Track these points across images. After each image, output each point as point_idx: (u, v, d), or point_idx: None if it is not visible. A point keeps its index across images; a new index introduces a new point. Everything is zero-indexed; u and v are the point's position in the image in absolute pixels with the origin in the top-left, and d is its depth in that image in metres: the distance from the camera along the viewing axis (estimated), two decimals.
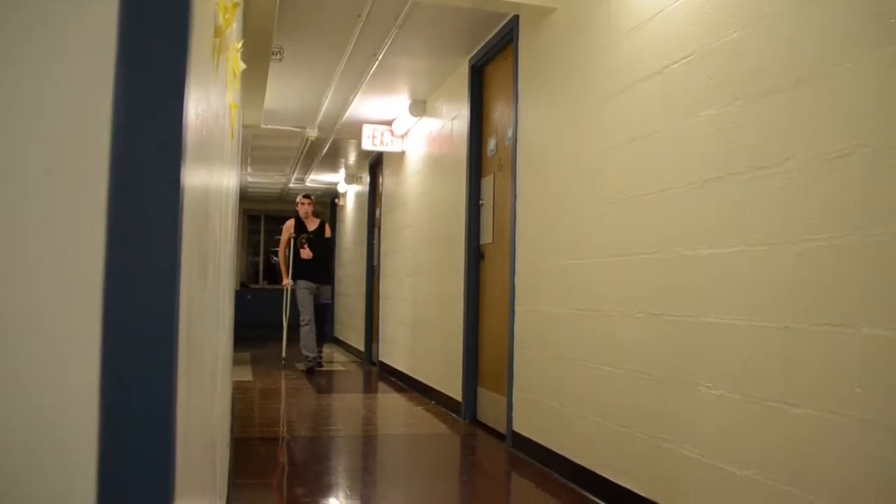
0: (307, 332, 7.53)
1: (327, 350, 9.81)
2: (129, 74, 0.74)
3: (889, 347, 1.78)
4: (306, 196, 7.87)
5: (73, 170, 0.68)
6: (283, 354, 8.32)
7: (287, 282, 7.72)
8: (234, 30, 1.95)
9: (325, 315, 7.83)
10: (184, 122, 0.80)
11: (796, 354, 2.07)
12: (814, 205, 2.03)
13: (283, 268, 7.75)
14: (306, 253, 7.54)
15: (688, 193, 2.58)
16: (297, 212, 7.87)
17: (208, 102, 1.22)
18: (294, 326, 7.87)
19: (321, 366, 7.90)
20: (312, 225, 7.76)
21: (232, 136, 2.54)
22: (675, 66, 2.69)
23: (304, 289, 7.55)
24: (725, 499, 2.34)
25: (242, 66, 2.44)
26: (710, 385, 2.43)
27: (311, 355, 7.59)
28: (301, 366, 7.68)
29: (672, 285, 2.66)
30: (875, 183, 1.84)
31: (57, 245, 0.65)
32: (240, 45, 2.43)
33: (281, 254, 7.78)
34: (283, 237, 7.82)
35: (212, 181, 1.46)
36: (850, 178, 1.91)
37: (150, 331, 0.72)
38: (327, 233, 7.85)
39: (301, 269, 7.63)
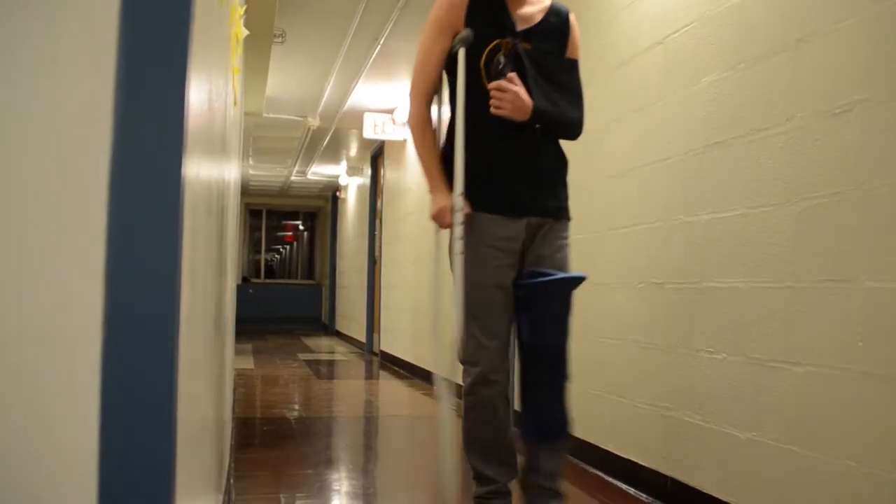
0: (483, 413, 2.15)
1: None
2: (131, 18, 0.73)
3: (891, 299, 1.79)
4: None
5: (75, 148, 0.65)
6: None
7: (449, 203, 2.10)
8: None
9: (553, 334, 2.13)
10: (188, 46, 0.80)
11: (798, 313, 2.07)
12: (815, 163, 2.03)
13: (430, 159, 2.20)
14: (510, 102, 2.05)
15: (689, 160, 2.58)
16: None
17: (209, 38, 1.22)
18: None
19: None
20: (530, 16, 2.19)
21: (235, 103, 2.55)
22: (676, 34, 2.69)
23: (492, 246, 2.11)
24: (728, 462, 2.34)
25: (245, 32, 2.45)
26: (711, 350, 2.43)
27: (495, 478, 2.13)
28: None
29: (674, 253, 2.67)
30: (876, 136, 1.84)
31: (57, 238, 0.63)
32: (243, 10, 2.44)
33: (417, 114, 2.22)
34: (428, 40, 2.20)
35: (214, 132, 1.46)
36: (851, 134, 1.91)
37: (151, 322, 0.72)
38: (573, 49, 2.24)
39: (492, 160, 2.13)
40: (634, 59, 2.97)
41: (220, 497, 2.07)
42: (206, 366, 1.39)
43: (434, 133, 2.23)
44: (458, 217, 2.08)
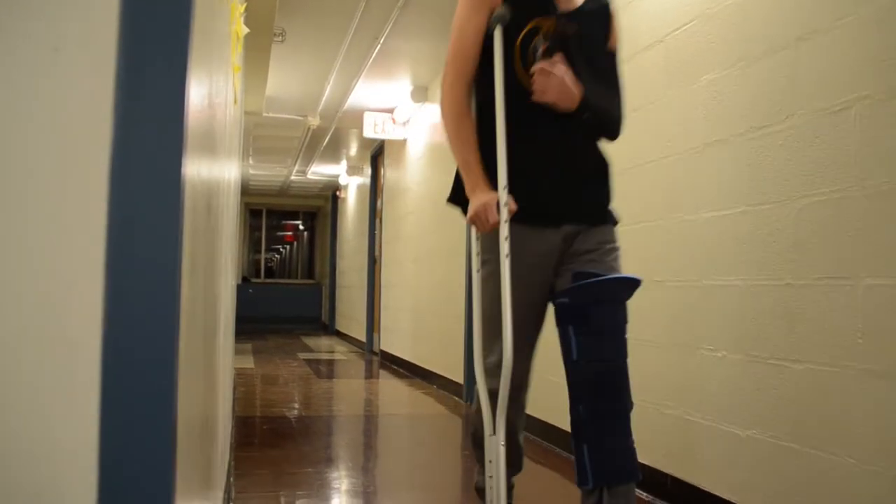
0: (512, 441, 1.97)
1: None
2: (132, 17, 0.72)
3: (891, 296, 1.79)
4: None
5: (75, 142, 0.65)
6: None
7: (493, 198, 1.80)
8: None
9: (611, 349, 1.84)
10: (189, 35, 0.80)
11: (798, 310, 2.07)
12: (815, 160, 2.03)
13: (469, 152, 1.87)
14: (556, 87, 1.79)
15: (690, 158, 2.59)
16: None
17: (209, 37, 1.22)
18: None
19: None
20: None
21: (235, 102, 2.55)
22: (676, 33, 2.69)
23: (524, 262, 1.85)
24: (729, 460, 2.34)
25: (245, 29, 2.45)
26: (711, 347, 2.43)
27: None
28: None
29: (674, 251, 2.67)
30: (875, 133, 1.85)
31: (57, 237, 0.64)
32: (243, 8, 2.44)
33: (452, 100, 1.90)
34: (461, 18, 1.90)
35: (216, 117, 1.46)
36: (851, 131, 1.91)
37: (151, 321, 0.72)
38: (614, 39, 1.98)
39: (527, 159, 1.85)
40: (634, 57, 2.97)
41: (221, 495, 2.07)
42: (206, 365, 1.39)
43: (473, 122, 1.90)
44: (504, 214, 1.79)
